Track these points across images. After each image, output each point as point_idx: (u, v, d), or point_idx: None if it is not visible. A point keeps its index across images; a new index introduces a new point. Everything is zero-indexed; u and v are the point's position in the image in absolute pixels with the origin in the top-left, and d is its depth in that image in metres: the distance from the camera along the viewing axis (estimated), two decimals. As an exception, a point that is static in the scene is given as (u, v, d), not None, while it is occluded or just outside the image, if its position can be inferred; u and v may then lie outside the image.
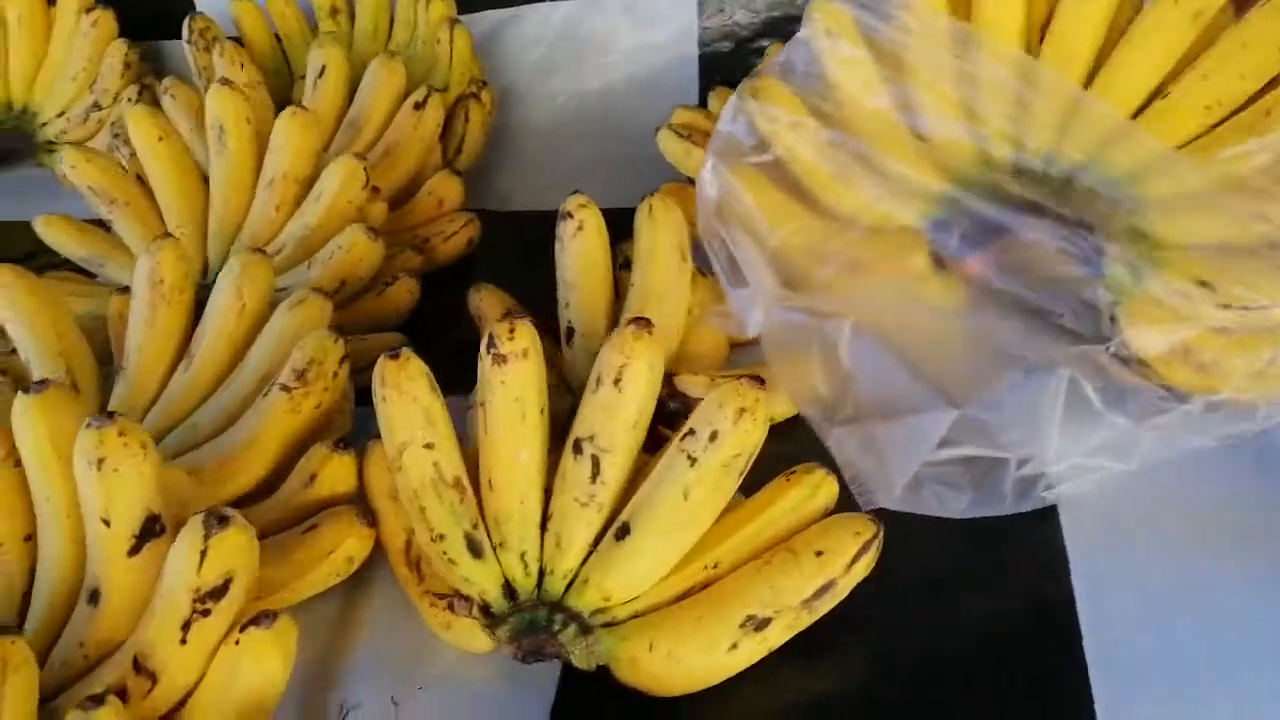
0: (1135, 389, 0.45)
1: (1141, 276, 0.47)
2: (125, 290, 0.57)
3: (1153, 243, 0.47)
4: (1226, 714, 0.38)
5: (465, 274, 0.68)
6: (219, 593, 0.36)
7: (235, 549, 0.36)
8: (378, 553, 0.47)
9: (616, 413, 0.40)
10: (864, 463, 0.47)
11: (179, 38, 0.84)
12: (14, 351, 0.54)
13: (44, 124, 0.84)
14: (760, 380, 0.39)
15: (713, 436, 0.38)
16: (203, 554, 0.35)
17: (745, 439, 0.38)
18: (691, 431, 0.39)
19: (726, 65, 0.80)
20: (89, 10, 0.82)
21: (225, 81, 0.61)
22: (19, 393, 0.39)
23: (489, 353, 0.41)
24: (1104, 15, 0.50)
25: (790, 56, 0.53)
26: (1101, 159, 0.49)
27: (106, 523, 0.37)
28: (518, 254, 0.70)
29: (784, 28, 0.78)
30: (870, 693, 0.41)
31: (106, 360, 0.56)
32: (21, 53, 0.83)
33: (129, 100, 0.81)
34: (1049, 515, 0.46)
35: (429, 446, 0.41)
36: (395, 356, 0.41)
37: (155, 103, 0.78)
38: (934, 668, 0.41)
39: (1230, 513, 0.45)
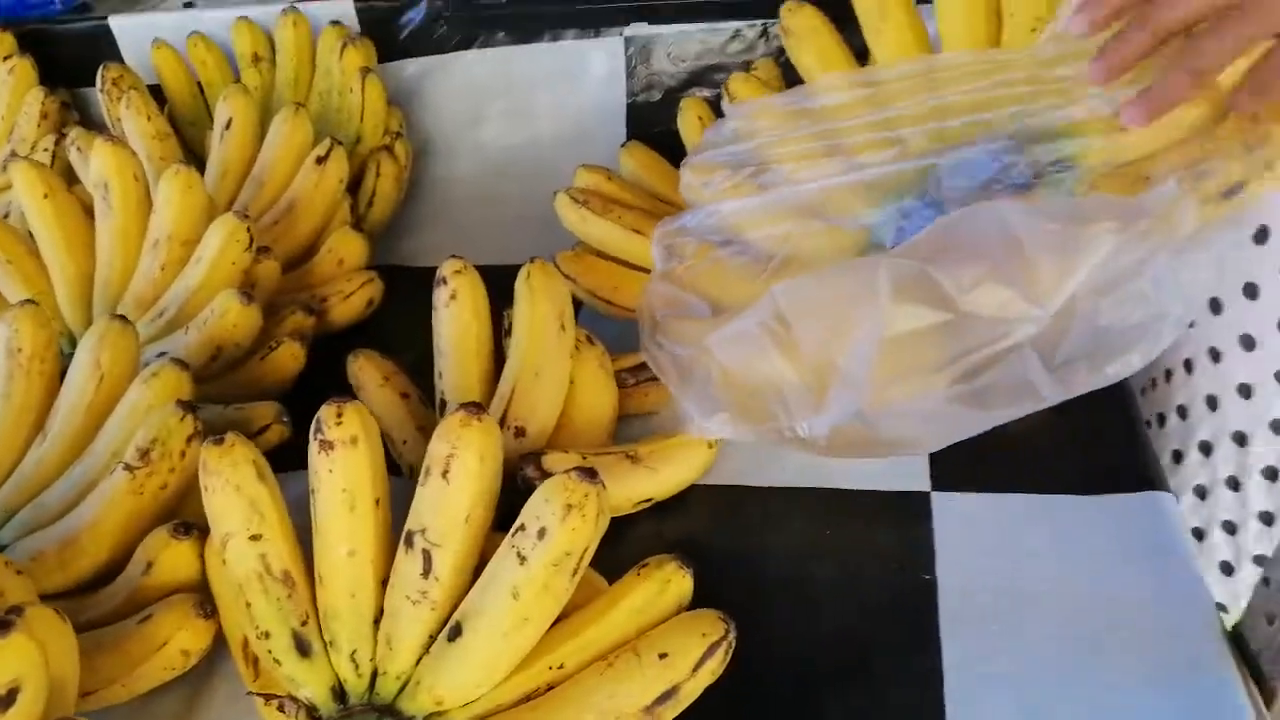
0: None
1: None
2: (-4, 355, 0.56)
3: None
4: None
5: (368, 335, 0.66)
6: (6, 702, 0.34)
7: (20, 655, 0.34)
8: (224, 644, 0.44)
9: (446, 505, 0.38)
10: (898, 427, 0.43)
11: (104, 85, 0.84)
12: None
13: (-39, 173, 0.83)
14: (593, 473, 0.37)
15: (540, 534, 0.36)
16: (-20, 664, 0.33)
17: (574, 537, 0.36)
18: (523, 527, 0.37)
19: (654, 117, 0.78)
20: (6, 58, 0.81)
21: (109, 137, 0.59)
22: None
23: (315, 438, 0.39)
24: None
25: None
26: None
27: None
28: (424, 314, 0.68)
29: (708, 77, 0.76)
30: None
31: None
32: (-63, 101, 0.82)
33: (46, 150, 0.79)
34: (928, 598, 0.44)
35: (255, 538, 0.39)
36: (219, 442, 0.39)
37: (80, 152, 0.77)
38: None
39: (1118, 609, 0.42)
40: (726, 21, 0.76)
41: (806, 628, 0.44)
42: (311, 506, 0.40)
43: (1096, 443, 0.50)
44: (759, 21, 0.75)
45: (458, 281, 0.50)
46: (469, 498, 0.38)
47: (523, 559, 0.37)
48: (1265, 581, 0.40)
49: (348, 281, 0.65)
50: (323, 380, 0.61)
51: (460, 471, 0.38)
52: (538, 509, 0.36)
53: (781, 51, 0.74)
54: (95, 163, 0.59)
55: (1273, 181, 0.39)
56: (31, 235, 0.63)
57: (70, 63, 0.85)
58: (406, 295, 0.69)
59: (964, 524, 0.47)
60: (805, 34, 0.59)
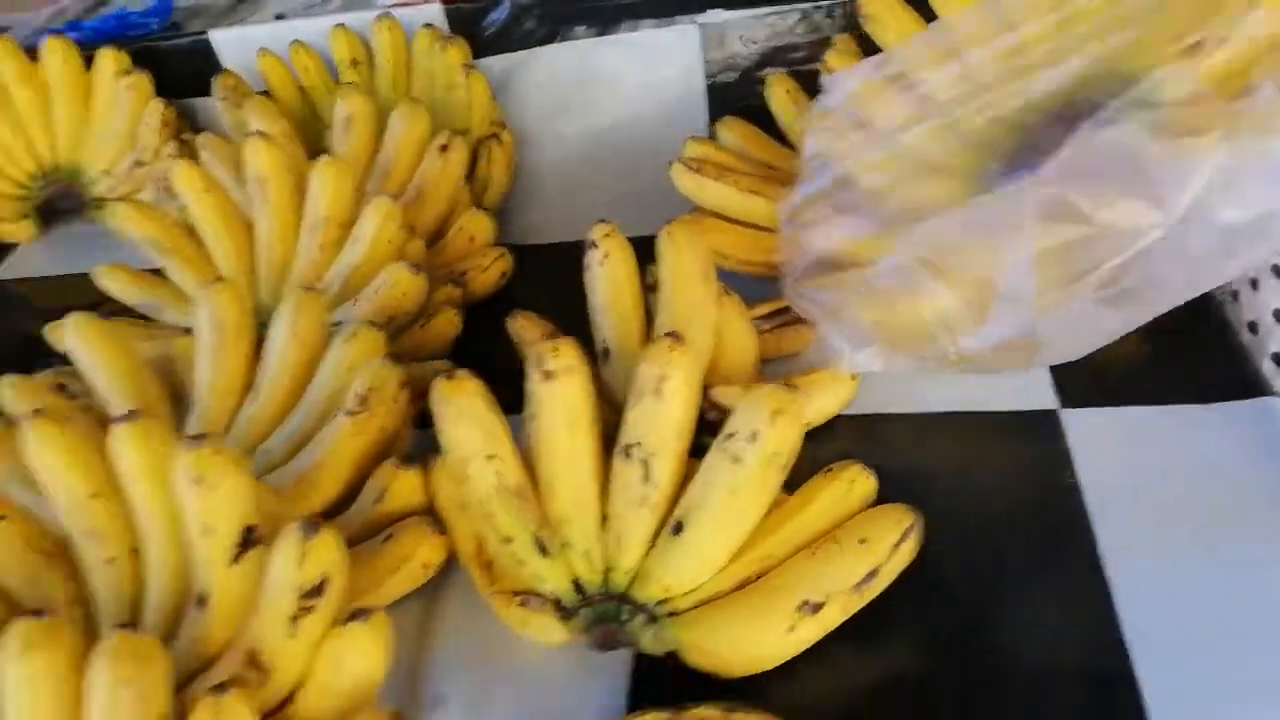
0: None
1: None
2: (190, 333, 0.61)
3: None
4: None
5: (500, 305, 0.72)
6: (318, 590, 0.40)
7: (328, 551, 0.40)
8: (450, 561, 0.50)
9: (660, 418, 0.44)
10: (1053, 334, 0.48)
11: (208, 95, 0.90)
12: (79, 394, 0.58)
13: (92, 181, 0.88)
14: (792, 386, 0.43)
15: (752, 436, 0.42)
16: (302, 556, 0.39)
17: (782, 437, 0.42)
18: (732, 434, 0.43)
19: (733, 96, 0.84)
20: (126, 73, 0.86)
21: (261, 134, 0.65)
22: (112, 423, 0.43)
23: (538, 370, 0.44)
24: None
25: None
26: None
27: (209, 535, 0.41)
28: (546, 284, 0.74)
29: (782, 56, 0.83)
30: (920, 670, 0.44)
31: (175, 399, 0.60)
32: (64, 117, 0.87)
33: (169, 155, 0.85)
34: (1075, 498, 0.50)
35: (491, 457, 0.45)
36: (450, 377, 0.45)
37: (193, 156, 0.82)
38: (981, 648, 0.44)
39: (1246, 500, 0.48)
40: (793, 4, 0.82)
41: (968, 529, 0.49)
42: (533, 433, 0.46)
43: (1199, 357, 0.56)
44: (824, 3, 0.81)
45: (608, 243, 0.56)
46: (679, 410, 0.44)
47: (737, 459, 0.42)
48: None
49: (483, 257, 0.71)
50: (470, 344, 0.67)
51: (670, 389, 0.44)
52: (746, 416, 0.42)
53: (849, 28, 0.80)
54: (252, 159, 0.65)
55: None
56: (189, 228, 0.69)
57: (173, 76, 0.91)
58: (526, 269, 0.75)
59: (1093, 435, 0.53)
60: (884, 15, 0.64)
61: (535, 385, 0.45)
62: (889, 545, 0.43)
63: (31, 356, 0.67)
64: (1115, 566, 0.46)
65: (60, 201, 0.91)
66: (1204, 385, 0.54)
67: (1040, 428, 0.54)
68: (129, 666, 0.37)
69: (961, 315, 0.48)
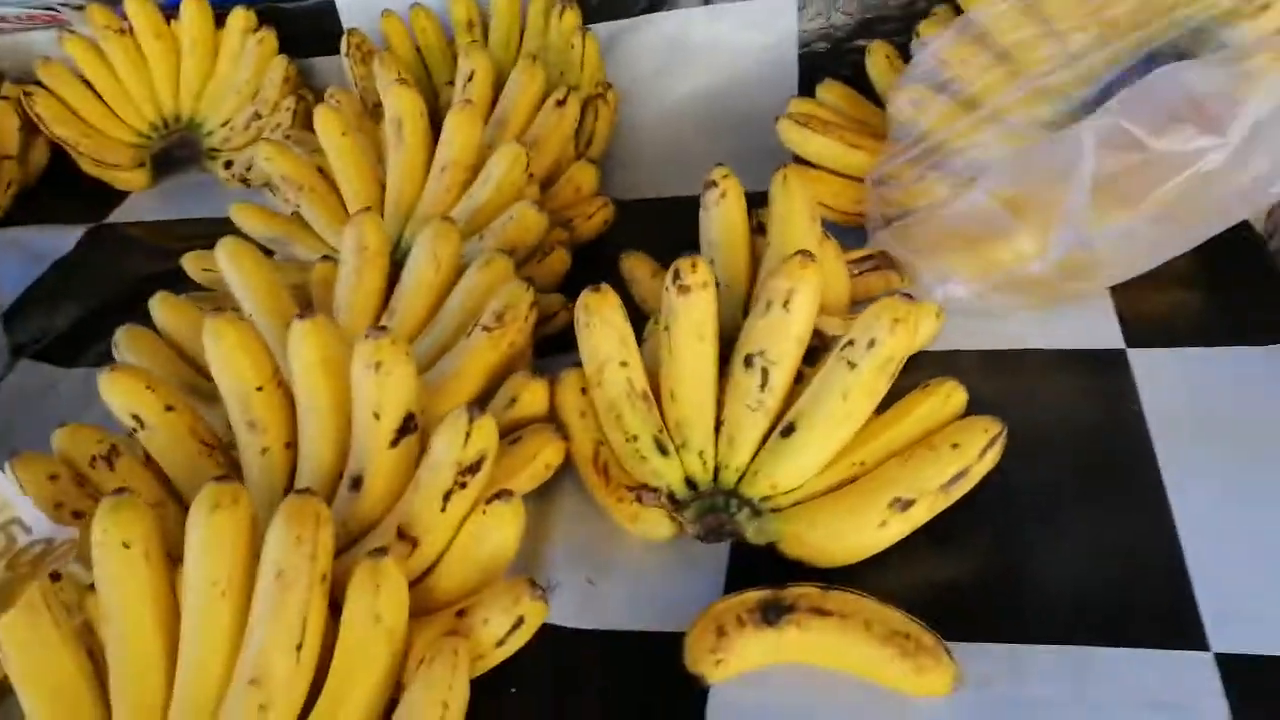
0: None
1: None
2: (324, 259, 0.67)
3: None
4: None
5: (602, 250, 0.76)
6: (475, 468, 0.45)
7: (489, 433, 0.45)
8: (563, 469, 0.55)
9: (785, 330, 0.48)
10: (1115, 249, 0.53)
11: (326, 54, 0.95)
12: (236, 310, 0.64)
13: (209, 133, 0.95)
14: (910, 295, 0.47)
15: (870, 344, 0.46)
16: (467, 435, 0.44)
17: (899, 345, 0.46)
18: (851, 342, 0.47)
19: (824, 65, 0.87)
20: (254, 30, 0.92)
21: (402, 80, 0.70)
22: (294, 319, 0.48)
23: (674, 284, 0.49)
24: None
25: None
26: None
27: (377, 416, 0.46)
28: (645, 236, 0.79)
29: (877, 27, 0.86)
30: (992, 570, 0.48)
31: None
32: (192, 70, 0.94)
33: (288, 109, 0.91)
34: (1140, 424, 0.54)
35: (624, 364, 0.50)
36: (597, 289, 0.50)
37: (309, 113, 0.88)
38: (1048, 555, 0.48)
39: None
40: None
41: (1044, 444, 0.53)
42: (662, 341, 0.50)
43: (1255, 303, 0.60)
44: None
45: (726, 184, 0.60)
46: (804, 323, 0.49)
47: (852, 365, 0.47)
48: None
49: (588, 204, 0.75)
50: (576, 284, 0.72)
51: (798, 302, 0.48)
52: (867, 324, 0.47)
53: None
54: (391, 103, 0.70)
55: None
56: (319, 170, 0.75)
57: (295, 36, 0.96)
58: (624, 222, 0.80)
59: (1158, 370, 0.57)
60: None
61: (671, 298, 0.49)
62: (978, 449, 0.47)
63: (142, 292, 0.72)
64: (1175, 486, 0.50)
65: (176, 150, 0.97)
66: (1258, 330, 0.57)
67: (1108, 364, 0.58)
68: (302, 525, 0.42)
69: (1030, 242, 0.52)
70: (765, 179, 0.70)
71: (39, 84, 0.94)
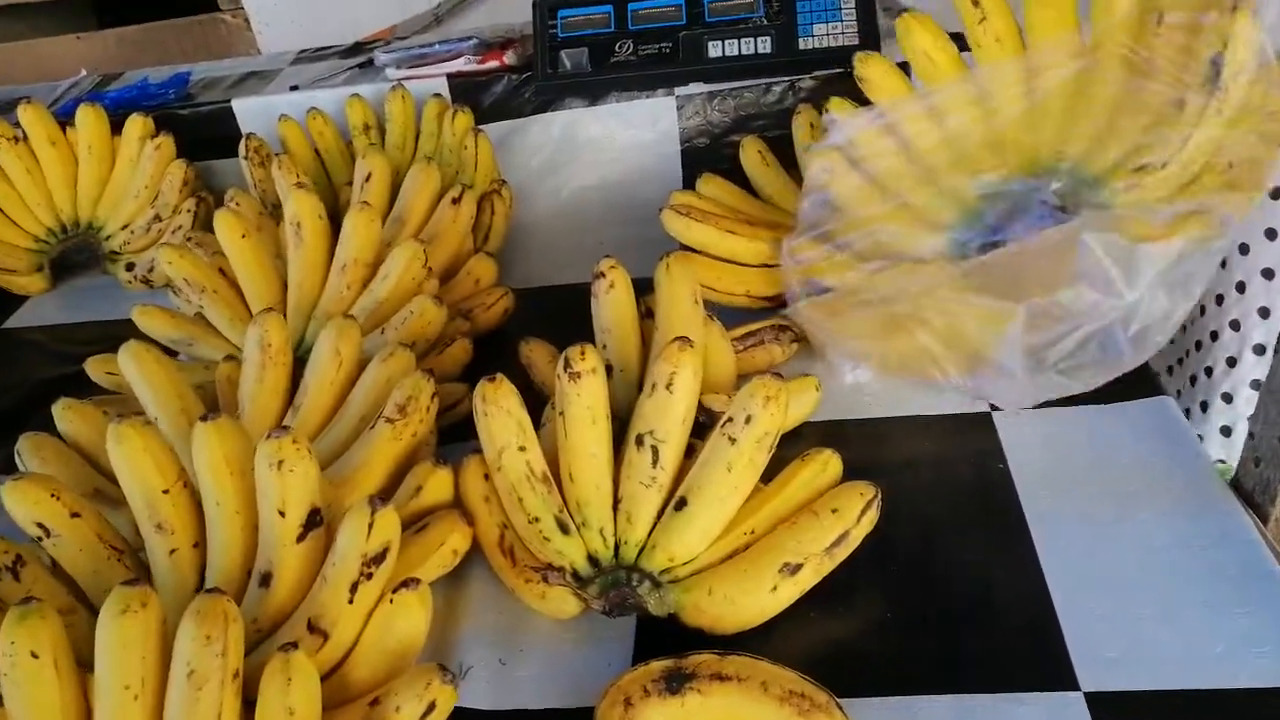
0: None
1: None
2: (228, 360, 0.68)
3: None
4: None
5: (503, 338, 0.80)
6: (380, 558, 0.47)
7: (391, 524, 0.47)
8: (470, 554, 0.57)
9: (670, 410, 0.52)
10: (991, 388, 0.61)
11: (225, 156, 0.98)
12: (138, 414, 0.65)
13: (108, 236, 0.95)
14: (779, 375, 0.51)
15: (747, 419, 0.50)
16: (370, 526, 0.46)
17: (772, 420, 0.50)
18: (730, 419, 0.51)
19: (704, 157, 0.94)
20: (152, 136, 0.94)
21: (300, 184, 0.73)
22: (198, 421, 0.50)
23: (565, 371, 0.52)
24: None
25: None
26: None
27: (282, 514, 0.48)
28: (542, 321, 0.82)
29: (750, 124, 0.93)
30: (883, 621, 0.52)
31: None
32: (89, 176, 0.95)
33: (188, 212, 0.92)
34: (1006, 478, 0.59)
35: (522, 449, 0.52)
36: (492, 380, 0.53)
37: (209, 214, 0.90)
38: (931, 598, 0.53)
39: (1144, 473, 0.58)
40: (759, 80, 0.92)
41: (918, 504, 0.58)
42: (558, 426, 0.54)
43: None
44: (786, 79, 0.92)
45: (613, 274, 0.64)
46: (686, 402, 0.52)
47: (733, 440, 0.50)
48: (1250, 435, 0.56)
49: (488, 295, 0.79)
50: (478, 372, 0.75)
51: (680, 384, 0.52)
52: (743, 402, 0.51)
53: (810, 99, 0.91)
54: (290, 206, 0.73)
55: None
56: (220, 271, 0.76)
57: (192, 141, 0.99)
58: (523, 310, 0.83)
59: (1020, 430, 0.63)
60: (879, 80, 0.72)
61: (563, 384, 0.53)
62: (856, 512, 0.51)
63: (44, 397, 0.72)
64: (1041, 536, 0.55)
65: (75, 255, 0.98)
66: (1111, 388, 0.63)
67: (978, 425, 0.63)
68: (212, 624, 0.43)
69: (953, 368, 0.61)
70: (654, 265, 0.76)
71: (-71, 193, 0.93)
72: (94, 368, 0.73)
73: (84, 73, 1.17)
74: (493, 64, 0.95)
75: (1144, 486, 0.57)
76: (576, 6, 0.93)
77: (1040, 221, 0.64)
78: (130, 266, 0.94)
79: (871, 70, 0.72)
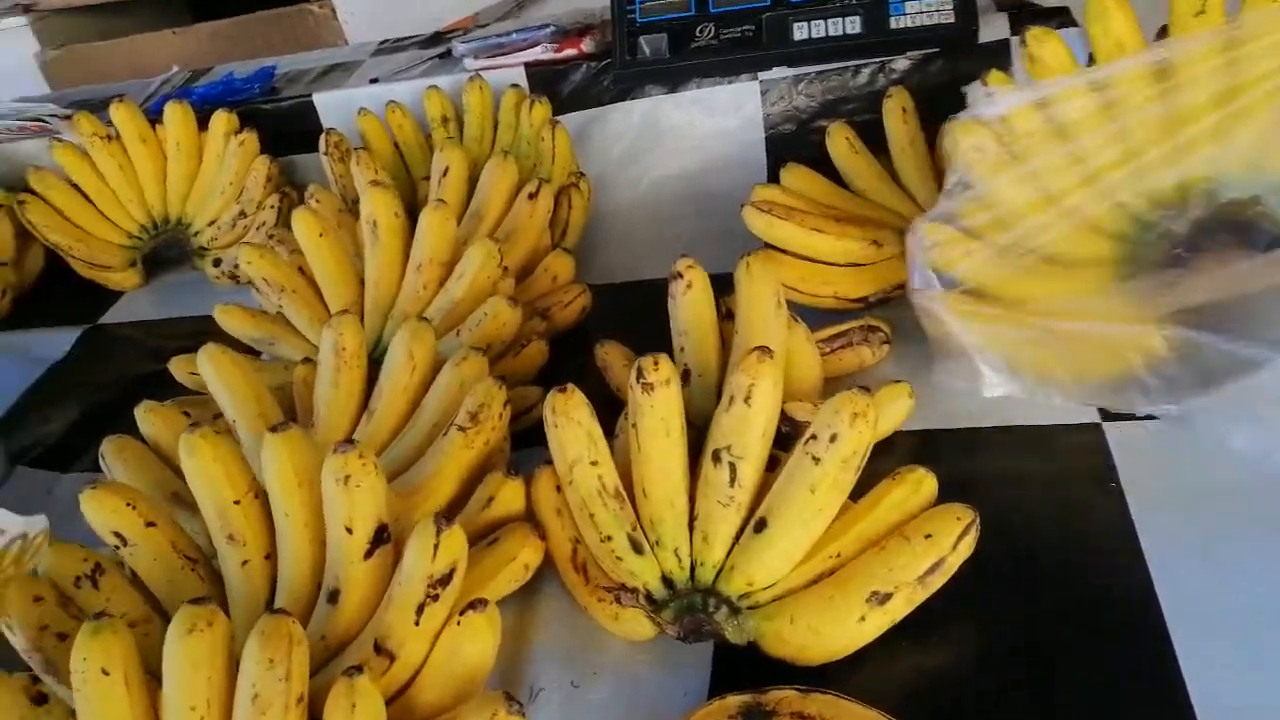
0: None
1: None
2: (305, 362, 0.68)
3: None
4: None
5: (580, 337, 0.78)
6: (446, 580, 0.45)
7: (458, 544, 0.46)
8: (544, 566, 0.55)
9: (748, 425, 0.49)
10: None
11: (308, 151, 0.98)
12: (216, 417, 0.65)
13: (197, 232, 0.97)
14: (868, 389, 0.47)
15: (833, 438, 0.47)
16: (435, 547, 0.45)
17: (859, 439, 0.47)
18: (814, 436, 0.48)
19: (790, 145, 0.90)
20: (237, 132, 0.95)
21: (376, 183, 0.72)
22: (267, 432, 0.49)
23: (638, 382, 0.50)
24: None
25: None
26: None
27: (349, 530, 0.47)
28: (621, 319, 0.80)
29: (839, 108, 0.88)
30: (980, 656, 0.48)
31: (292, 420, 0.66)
32: (177, 173, 0.96)
33: (272, 208, 0.93)
34: (1119, 500, 0.54)
35: (594, 463, 0.50)
36: (563, 390, 0.50)
37: (292, 210, 0.90)
38: (1030, 637, 0.49)
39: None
40: (848, 62, 0.88)
41: (1019, 527, 0.54)
42: (631, 438, 0.51)
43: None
44: (877, 60, 0.87)
45: (691, 274, 0.62)
46: (765, 417, 0.49)
47: (816, 460, 0.47)
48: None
49: (564, 293, 0.77)
50: (554, 374, 0.73)
51: (759, 396, 0.49)
52: (828, 419, 0.47)
53: (902, 81, 0.86)
54: (366, 204, 0.72)
55: None
56: (299, 270, 0.76)
57: (275, 135, 0.99)
58: (601, 306, 0.81)
59: (1135, 442, 0.57)
60: (1053, 62, 0.61)
61: (636, 395, 0.50)
62: (952, 539, 0.48)
63: (136, 393, 0.73)
64: (1156, 558, 0.50)
65: (166, 250, 0.99)
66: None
67: (1084, 439, 0.58)
68: (276, 648, 0.42)
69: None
70: (736, 260, 0.72)
71: (32, 191, 0.96)
72: (177, 368, 0.74)
73: (175, 69, 1.19)
74: (570, 52, 0.93)
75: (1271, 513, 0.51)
76: (657, -10, 0.90)
77: (1256, 242, 0.56)
78: (217, 262, 0.96)
79: (1047, 50, 0.60)
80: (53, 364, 0.89)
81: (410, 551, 0.45)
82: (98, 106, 1.02)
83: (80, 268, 0.97)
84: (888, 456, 0.61)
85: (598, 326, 0.80)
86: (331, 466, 0.46)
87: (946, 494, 0.52)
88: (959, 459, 0.60)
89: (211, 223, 0.96)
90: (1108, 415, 0.59)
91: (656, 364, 0.50)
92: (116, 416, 0.73)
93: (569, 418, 0.50)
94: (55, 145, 0.95)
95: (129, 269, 0.98)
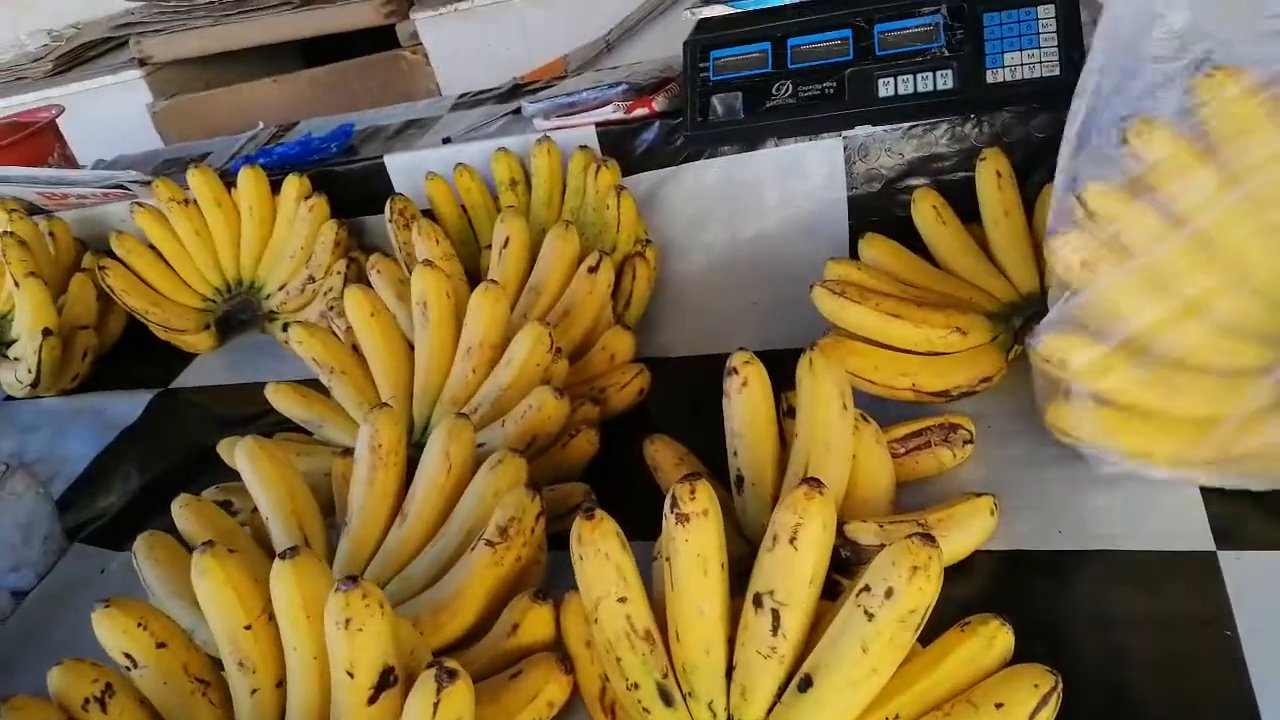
0: None
1: None
2: (345, 453, 0.65)
3: None
4: None
5: (639, 419, 0.73)
6: (448, 738, 0.41)
7: (461, 701, 0.41)
8: (573, 697, 0.51)
9: (794, 569, 0.43)
10: None
11: (378, 213, 0.96)
12: (255, 510, 0.63)
13: (267, 296, 0.96)
14: (931, 538, 0.41)
15: (889, 594, 0.41)
16: (435, 705, 0.40)
17: (920, 596, 0.41)
18: (867, 588, 0.42)
19: (874, 206, 0.84)
20: (307, 197, 0.94)
21: (427, 262, 0.69)
22: (276, 560, 0.46)
23: (672, 512, 0.45)
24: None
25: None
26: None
27: (351, 675, 0.43)
28: (684, 398, 0.75)
29: (926, 167, 0.82)
30: None
31: (329, 511, 0.64)
32: (251, 237, 0.96)
33: (339, 273, 0.92)
34: (1235, 652, 0.46)
35: (622, 600, 0.45)
36: (590, 516, 0.46)
37: (361, 273, 0.89)
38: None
39: None
40: (938, 118, 0.81)
41: (1113, 685, 0.46)
42: (664, 573, 0.46)
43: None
44: (969, 115, 0.80)
45: (748, 370, 0.56)
46: (813, 562, 0.43)
47: (870, 616, 0.41)
48: None
49: (621, 374, 0.72)
50: (607, 461, 0.69)
51: (806, 538, 0.43)
52: (884, 571, 0.41)
53: (995, 140, 0.79)
54: (416, 284, 0.69)
55: None
56: (354, 347, 0.74)
57: (348, 196, 0.98)
58: (664, 382, 0.76)
59: (1257, 579, 0.49)
60: (1169, 161, 0.50)
61: (669, 527, 0.45)
62: (1027, 711, 0.41)
63: (205, 462, 0.72)
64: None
65: (238, 314, 0.99)
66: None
67: (1197, 573, 0.50)
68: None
69: None
70: (812, 333, 0.66)
71: (113, 255, 0.97)
72: (225, 451, 0.73)
73: (261, 125, 1.20)
74: (641, 111, 0.89)
75: None
76: (731, 46, 0.85)
77: None
78: (286, 327, 0.95)
79: (1156, 146, 0.50)
80: (121, 430, 0.90)
81: (410, 709, 0.41)
82: (185, 166, 1.03)
83: (157, 330, 0.98)
84: (965, 580, 0.54)
85: (661, 406, 0.76)
86: (333, 608, 0.42)
87: (1028, 633, 0.46)
88: (1046, 591, 0.52)
89: (281, 287, 0.95)
90: (1222, 543, 0.51)
91: (694, 493, 0.45)
92: (176, 491, 0.72)
93: (596, 549, 0.45)
94: (136, 210, 0.96)
95: (203, 331, 0.99)
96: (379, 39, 1.69)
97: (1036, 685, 0.42)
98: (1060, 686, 0.42)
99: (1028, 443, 0.62)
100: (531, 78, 1.17)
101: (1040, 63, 0.77)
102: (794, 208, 0.87)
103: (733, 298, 0.86)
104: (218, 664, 0.50)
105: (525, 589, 0.52)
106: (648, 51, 1.47)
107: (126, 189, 1.01)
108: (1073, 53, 0.76)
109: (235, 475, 0.68)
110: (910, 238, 0.75)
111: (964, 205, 0.75)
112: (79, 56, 1.94)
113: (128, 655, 0.49)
